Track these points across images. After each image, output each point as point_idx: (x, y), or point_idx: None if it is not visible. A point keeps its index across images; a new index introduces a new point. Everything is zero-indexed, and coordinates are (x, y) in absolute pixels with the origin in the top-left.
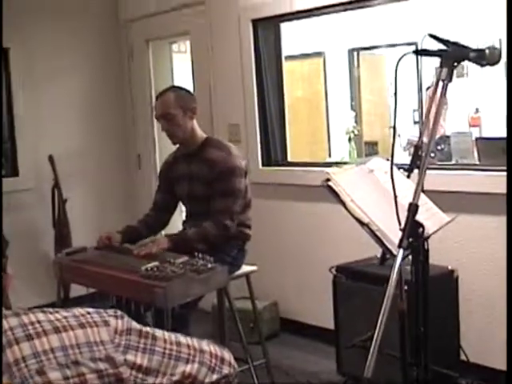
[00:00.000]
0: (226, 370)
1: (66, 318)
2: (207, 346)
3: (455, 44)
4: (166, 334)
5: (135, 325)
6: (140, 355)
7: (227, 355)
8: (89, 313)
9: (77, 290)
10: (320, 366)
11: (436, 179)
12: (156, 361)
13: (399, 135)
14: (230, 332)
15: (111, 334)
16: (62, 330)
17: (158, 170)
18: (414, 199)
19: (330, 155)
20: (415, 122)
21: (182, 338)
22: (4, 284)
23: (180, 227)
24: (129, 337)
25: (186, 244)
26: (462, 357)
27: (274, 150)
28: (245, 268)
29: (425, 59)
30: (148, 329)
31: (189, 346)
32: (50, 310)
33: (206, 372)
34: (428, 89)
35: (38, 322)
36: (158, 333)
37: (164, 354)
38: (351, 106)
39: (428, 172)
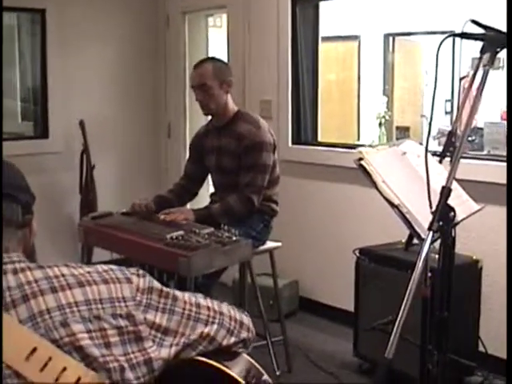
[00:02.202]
0: (244, 334)
1: (89, 272)
2: (227, 309)
3: (497, 31)
4: (186, 295)
5: (157, 284)
6: (160, 315)
7: (246, 320)
8: (112, 269)
9: (100, 255)
10: (336, 347)
11: (467, 168)
12: (175, 321)
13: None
14: (250, 307)
15: (133, 291)
16: (85, 284)
17: (188, 139)
18: (447, 183)
19: (358, 139)
20: (446, 113)
21: (202, 300)
22: (29, 238)
23: (207, 199)
24: (150, 295)
25: (211, 218)
26: (481, 348)
27: (304, 129)
28: (269, 244)
29: (459, 50)
30: (169, 289)
31: (208, 308)
32: (73, 264)
33: (224, 334)
34: (462, 79)
35: (63, 275)
36: (179, 294)
37: (183, 315)
38: (384, 91)
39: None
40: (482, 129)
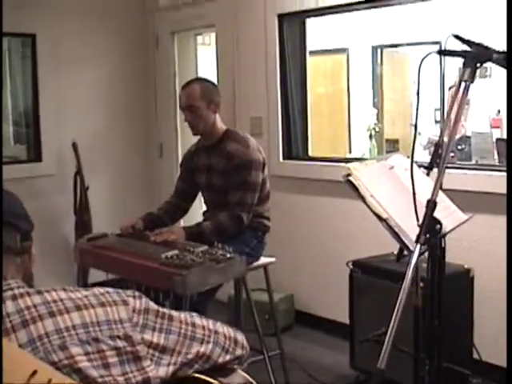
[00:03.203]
0: (238, 352)
1: (86, 296)
2: (221, 327)
3: (479, 45)
4: (182, 315)
5: (153, 305)
6: (157, 334)
7: (240, 337)
8: (108, 292)
9: (96, 276)
10: (333, 360)
11: (455, 178)
12: (172, 340)
13: (420, 134)
14: (246, 323)
15: (129, 313)
16: (82, 307)
17: (180, 158)
18: (432, 196)
19: (350, 151)
20: (436, 122)
21: (198, 319)
22: (28, 264)
23: (200, 215)
24: (146, 316)
25: (202, 236)
26: (475, 355)
27: (295, 144)
28: (263, 259)
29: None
30: (165, 309)
31: (204, 327)
32: (71, 288)
33: (219, 352)
34: (450, 88)
35: (61, 299)
36: (175, 314)
37: (180, 334)
38: (373, 103)
39: (447, 171)
40: (470, 137)
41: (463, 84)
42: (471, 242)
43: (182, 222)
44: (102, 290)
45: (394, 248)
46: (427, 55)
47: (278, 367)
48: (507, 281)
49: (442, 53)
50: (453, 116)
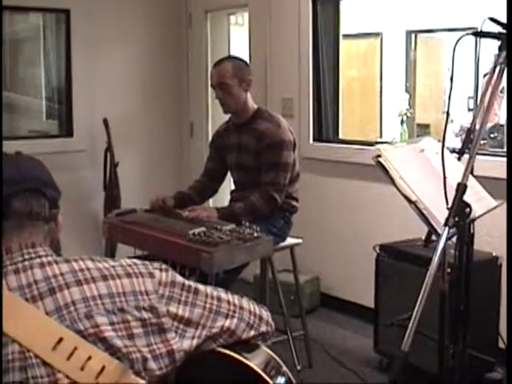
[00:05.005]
0: (263, 328)
1: (113, 266)
2: (247, 303)
3: None
4: (208, 289)
5: (179, 278)
6: (182, 307)
7: (265, 314)
8: (135, 264)
9: (124, 252)
10: (357, 343)
11: (487, 165)
12: (197, 313)
13: (452, 121)
14: (271, 303)
15: (155, 285)
16: (109, 277)
17: (210, 138)
18: (462, 179)
19: (381, 136)
20: (469, 109)
21: (223, 294)
22: (55, 231)
23: (228, 195)
24: (172, 289)
25: (235, 217)
26: (501, 344)
27: (325, 127)
28: (290, 240)
29: (484, 46)
30: (191, 283)
31: (229, 302)
32: (98, 258)
33: (244, 328)
34: (485, 76)
35: (88, 268)
36: (201, 287)
37: (205, 308)
38: (406, 88)
39: (480, 158)
40: (503, 125)
41: (497, 68)
42: (502, 230)
43: (211, 202)
44: (128, 261)
45: (422, 234)
46: (461, 37)
47: (301, 348)
48: (507, 280)
49: (477, 35)
50: (486, 100)
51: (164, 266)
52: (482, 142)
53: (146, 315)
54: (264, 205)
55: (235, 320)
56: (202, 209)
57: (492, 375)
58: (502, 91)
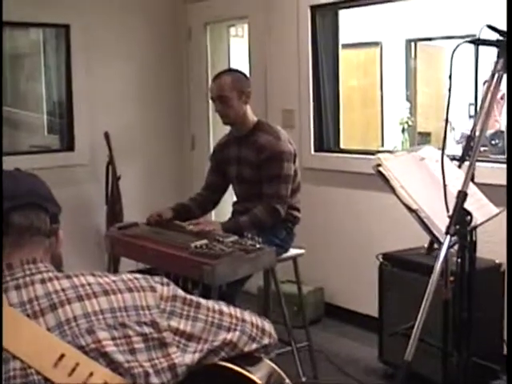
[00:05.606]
0: (265, 341)
1: (114, 281)
2: (249, 316)
3: None
4: (210, 302)
5: (180, 292)
6: (183, 321)
7: (268, 326)
8: (136, 278)
9: (126, 266)
10: (362, 353)
11: (488, 172)
12: (198, 327)
13: (453, 128)
14: (274, 314)
15: (157, 299)
16: (110, 292)
17: (212, 151)
18: (462, 187)
19: (382, 145)
20: (470, 116)
21: (225, 307)
22: (55, 246)
23: (230, 208)
24: (173, 303)
25: (239, 231)
26: (505, 351)
27: (326, 137)
28: (292, 251)
29: (484, 53)
30: (192, 297)
31: (231, 315)
32: (99, 273)
33: (246, 340)
34: (485, 83)
35: (89, 284)
36: (202, 301)
37: (206, 322)
38: (406, 96)
39: (480, 165)
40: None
41: (496, 75)
42: (503, 236)
43: (214, 214)
44: (130, 275)
45: (424, 242)
46: (460, 45)
47: (306, 359)
48: (507, 280)
49: (476, 42)
50: (485, 107)
51: (165, 280)
52: (483, 148)
53: (147, 330)
54: (267, 217)
55: (237, 333)
56: (207, 222)
57: (497, 383)
58: (502, 98)
